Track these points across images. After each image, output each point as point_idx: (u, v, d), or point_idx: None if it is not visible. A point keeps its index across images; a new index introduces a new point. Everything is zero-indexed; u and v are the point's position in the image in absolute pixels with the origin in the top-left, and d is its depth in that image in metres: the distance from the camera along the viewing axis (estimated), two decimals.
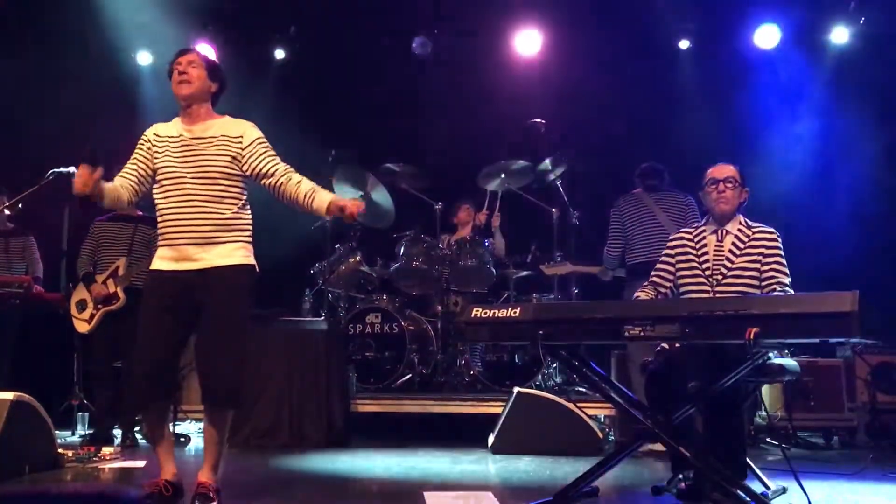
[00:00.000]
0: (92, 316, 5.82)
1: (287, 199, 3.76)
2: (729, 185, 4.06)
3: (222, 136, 3.75)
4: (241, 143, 3.74)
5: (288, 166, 3.80)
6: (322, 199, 3.69)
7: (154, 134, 3.83)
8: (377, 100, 8.25)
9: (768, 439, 5.95)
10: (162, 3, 7.71)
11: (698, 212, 5.93)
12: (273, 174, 3.74)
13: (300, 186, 3.73)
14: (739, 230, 4.06)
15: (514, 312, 3.54)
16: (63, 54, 7.64)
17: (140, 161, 3.82)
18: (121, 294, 5.77)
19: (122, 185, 3.80)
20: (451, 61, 8.45)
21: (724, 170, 4.12)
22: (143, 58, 8.41)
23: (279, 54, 8.60)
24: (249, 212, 3.81)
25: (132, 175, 3.81)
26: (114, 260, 5.90)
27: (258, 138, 3.79)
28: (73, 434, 6.22)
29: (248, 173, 3.75)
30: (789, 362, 3.97)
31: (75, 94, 7.45)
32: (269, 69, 8.62)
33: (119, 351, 5.72)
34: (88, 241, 6.03)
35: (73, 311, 5.93)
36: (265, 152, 3.77)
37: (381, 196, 7.29)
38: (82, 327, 5.89)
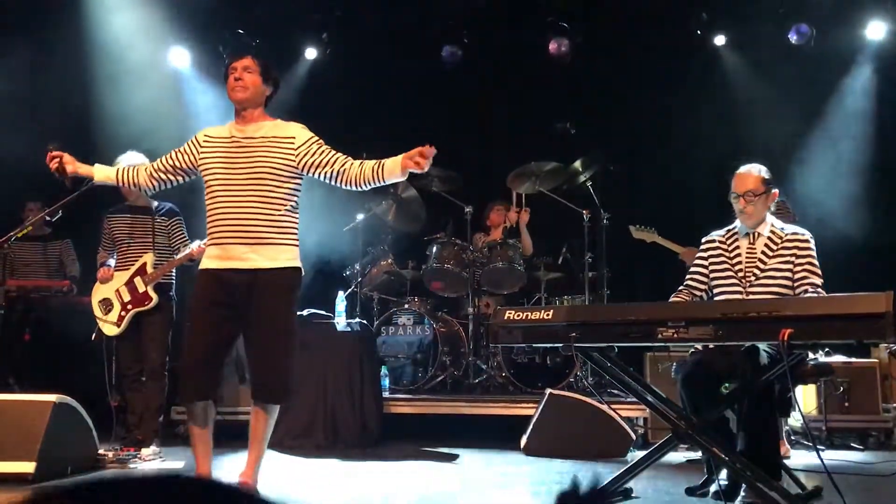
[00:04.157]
0: (121, 318, 5.59)
1: (354, 181, 3.80)
2: (749, 199, 4.05)
3: (273, 136, 3.83)
4: (292, 143, 3.82)
5: (345, 155, 3.86)
6: (392, 161, 3.74)
7: (204, 136, 3.94)
8: (408, 102, 8.29)
9: (803, 440, 5.92)
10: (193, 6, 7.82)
11: (791, 209, 6.08)
12: (332, 163, 3.81)
13: (364, 164, 3.79)
14: (772, 232, 4.05)
15: (547, 315, 3.56)
16: (101, 57, 7.75)
17: (178, 155, 3.96)
18: (152, 294, 5.55)
19: (145, 167, 4.03)
20: (481, 64, 8.48)
21: (745, 182, 4.09)
22: (179, 56, 8.43)
23: (310, 56, 8.66)
24: (297, 215, 3.88)
25: (161, 164, 3.99)
26: (136, 255, 5.68)
27: (311, 137, 3.88)
28: (113, 435, 6.30)
29: (305, 170, 3.82)
30: (823, 363, 3.96)
31: (116, 97, 7.57)
32: (299, 72, 8.69)
33: (145, 350, 5.62)
34: (104, 237, 5.82)
35: (98, 312, 5.64)
36: (320, 147, 3.85)
37: (413, 199, 7.35)
38: (111, 330, 5.62)
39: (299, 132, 3.88)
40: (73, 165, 3.98)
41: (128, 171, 4.03)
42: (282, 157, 3.79)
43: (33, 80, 7.51)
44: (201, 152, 3.88)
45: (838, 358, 6.03)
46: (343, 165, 3.80)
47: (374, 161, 3.79)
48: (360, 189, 3.85)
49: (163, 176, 4.00)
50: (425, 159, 3.64)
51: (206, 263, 3.82)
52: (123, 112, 7.49)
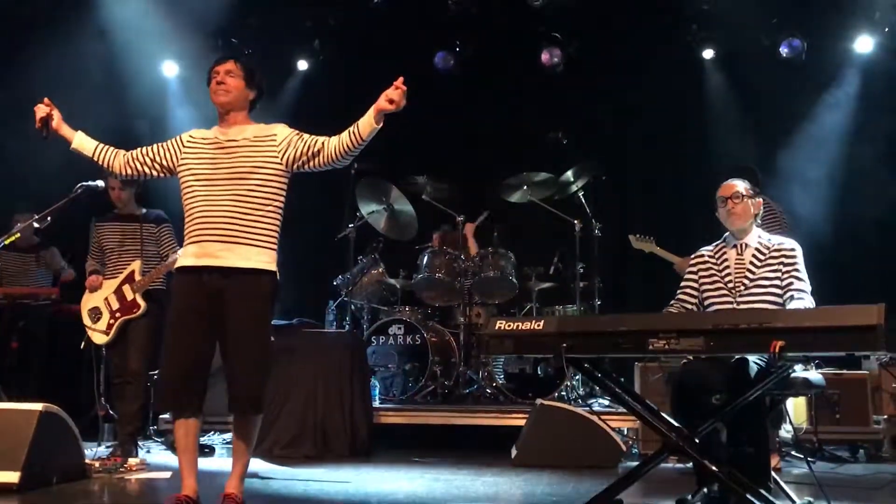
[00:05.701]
0: (110, 326, 5.59)
1: (334, 152, 3.74)
2: (737, 200, 4.12)
3: (255, 137, 3.81)
4: (274, 140, 3.79)
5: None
6: (365, 117, 3.69)
7: (188, 136, 3.91)
8: (399, 112, 8.27)
9: (794, 452, 5.91)
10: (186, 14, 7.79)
11: (787, 220, 6.07)
12: (312, 146, 3.77)
13: (340, 135, 3.75)
14: (759, 242, 4.11)
15: (538, 325, 3.53)
16: (89, 67, 7.70)
17: (160, 150, 3.91)
18: (140, 301, 5.55)
19: (124, 153, 3.93)
20: (474, 74, 8.48)
21: (730, 187, 4.18)
22: (169, 68, 8.49)
23: (301, 65, 8.68)
24: (278, 220, 3.83)
25: (141, 155, 3.92)
26: (125, 263, 5.67)
27: (292, 131, 3.85)
28: (100, 445, 6.26)
29: (289, 165, 3.79)
30: (814, 375, 3.96)
31: (103, 106, 7.53)
32: (291, 80, 8.68)
33: (126, 355, 5.59)
34: (93, 246, 5.82)
35: (87, 321, 5.65)
36: (300, 137, 3.81)
37: (404, 208, 7.34)
38: (100, 339, 5.64)
39: (281, 129, 3.85)
40: (59, 122, 3.89)
41: (105, 151, 3.93)
42: (265, 155, 3.76)
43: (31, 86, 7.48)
44: (184, 152, 3.85)
45: (829, 370, 6.02)
46: (321, 144, 3.77)
47: (347, 129, 3.74)
48: (345, 159, 3.77)
49: (139, 167, 3.92)
50: (398, 90, 3.61)
51: (182, 261, 3.77)
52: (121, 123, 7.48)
